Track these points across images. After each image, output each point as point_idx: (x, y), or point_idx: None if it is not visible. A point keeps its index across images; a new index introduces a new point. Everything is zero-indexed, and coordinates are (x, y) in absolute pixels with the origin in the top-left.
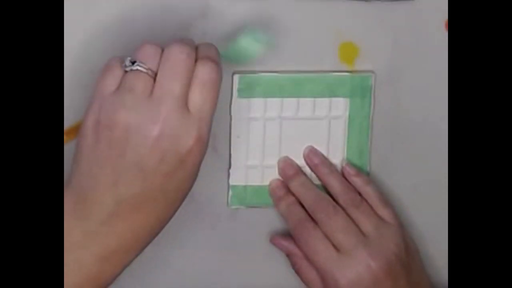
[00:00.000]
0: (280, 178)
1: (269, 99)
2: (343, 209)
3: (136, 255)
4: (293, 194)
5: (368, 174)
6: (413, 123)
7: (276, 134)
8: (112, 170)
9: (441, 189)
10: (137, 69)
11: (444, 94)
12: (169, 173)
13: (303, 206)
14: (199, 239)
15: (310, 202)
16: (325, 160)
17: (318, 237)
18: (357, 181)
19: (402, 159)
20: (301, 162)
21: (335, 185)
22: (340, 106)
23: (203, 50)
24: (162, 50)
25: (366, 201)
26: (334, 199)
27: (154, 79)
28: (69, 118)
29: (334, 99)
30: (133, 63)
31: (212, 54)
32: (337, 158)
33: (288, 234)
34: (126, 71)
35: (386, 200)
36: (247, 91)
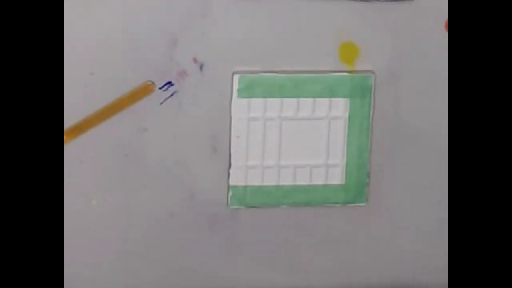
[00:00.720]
0: None
1: (269, 99)
2: None
3: None
4: None
5: (368, 174)
6: (413, 123)
7: (276, 135)
8: None
9: (441, 189)
10: None
11: (444, 94)
12: None
13: None
14: (199, 239)
15: None
16: None
17: None
18: None
19: (402, 159)
20: (300, 162)
21: None
22: (340, 106)
23: None
24: None
25: None
26: None
27: None
28: (69, 118)
29: (334, 99)
30: None
31: None
32: (337, 158)
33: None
34: None
35: None
36: (247, 91)
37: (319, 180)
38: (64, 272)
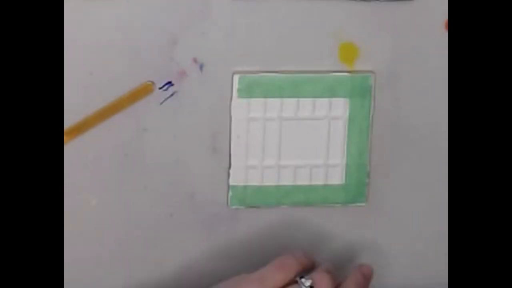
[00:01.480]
0: None
1: (269, 99)
2: None
3: None
4: None
5: (368, 174)
6: (413, 123)
7: (276, 135)
8: None
9: (441, 189)
10: None
11: (444, 94)
12: None
13: None
14: (199, 239)
15: None
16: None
17: None
18: None
19: (402, 159)
20: (300, 162)
21: None
22: (340, 106)
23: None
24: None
25: None
26: None
27: None
28: (69, 118)
29: (334, 99)
30: (309, 287)
31: None
32: (337, 158)
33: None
34: (296, 282)
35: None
36: (247, 91)
37: (319, 180)
38: (64, 272)
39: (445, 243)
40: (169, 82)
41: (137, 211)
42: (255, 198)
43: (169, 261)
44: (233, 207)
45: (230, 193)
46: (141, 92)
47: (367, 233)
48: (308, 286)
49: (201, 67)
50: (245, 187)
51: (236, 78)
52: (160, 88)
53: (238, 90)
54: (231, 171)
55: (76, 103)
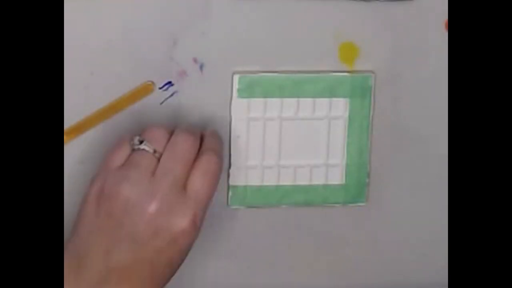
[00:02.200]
0: None
1: (269, 99)
2: None
3: None
4: None
5: (368, 174)
6: (413, 123)
7: (276, 134)
8: (107, 239)
9: (441, 189)
10: (143, 149)
11: (444, 94)
12: (161, 249)
13: None
14: (199, 239)
15: None
16: None
17: None
18: None
19: (402, 159)
20: (300, 162)
21: None
22: (340, 106)
23: (208, 142)
24: (170, 134)
25: None
26: None
27: (158, 160)
28: (69, 118)
29: (334, 99)
30: (141, 142)
31: (216, 147)
32: (337, 158)
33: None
34: (133, 149)
35: None
36: (247, 91)
37: (319, 180)
38: None
39: (445, 243)
40: (169, 82)
41: None
42: (255, 198)
43: None
44: (233, 207)
45: (230, 193)
46: (141, 92)
47: (367, 233)
48: (138, 143)
49: (201, 67)
50: (245, 187)
51: (236, 78)
52: (160, 88)
53: (238, 90)
54: (231, 171)
55: (76, 103)
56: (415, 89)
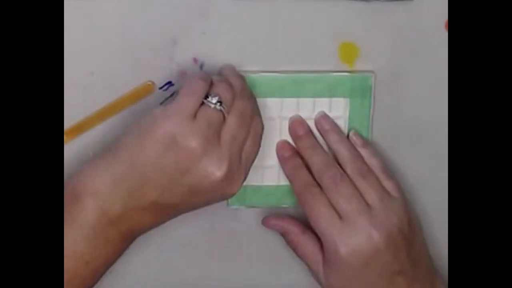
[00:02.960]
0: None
1: (269, 99)
2: (350, 177)
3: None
4: (300, 156)
5: None
6: (413, 123)
7: (276, 134)
8: (167, 180)
9: (441, 188)
10: (220, 110)
11: (444, 94)
12: (208, 202)
13: (309, 169)
14: (199, 239)
15: (317, 166)
16: (335, 127)
17: (323, 202)
18: (363, 152)
19: (402, 159)
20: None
21: (344, 153)
22: (340, 106)
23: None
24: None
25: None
26: (341, 167)
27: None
28: (69, 118)
29: (334, 99)
30: (218, 102)
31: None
32: None
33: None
34: (204, 103)
35: (391, 173)
36: None
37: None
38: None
39: (445, 243)
40: (169, 82)
41: None
42: (255, 198)
43: (170, 261)
44: (233, 207)
45: None
46: (141, 92)
47: None
48: (215, 103)
49: (201, 67)
50: (245, 187)
51: None
52: (160, 88)
53: None
54: None
55: (76, 103)
56: (415, 89)
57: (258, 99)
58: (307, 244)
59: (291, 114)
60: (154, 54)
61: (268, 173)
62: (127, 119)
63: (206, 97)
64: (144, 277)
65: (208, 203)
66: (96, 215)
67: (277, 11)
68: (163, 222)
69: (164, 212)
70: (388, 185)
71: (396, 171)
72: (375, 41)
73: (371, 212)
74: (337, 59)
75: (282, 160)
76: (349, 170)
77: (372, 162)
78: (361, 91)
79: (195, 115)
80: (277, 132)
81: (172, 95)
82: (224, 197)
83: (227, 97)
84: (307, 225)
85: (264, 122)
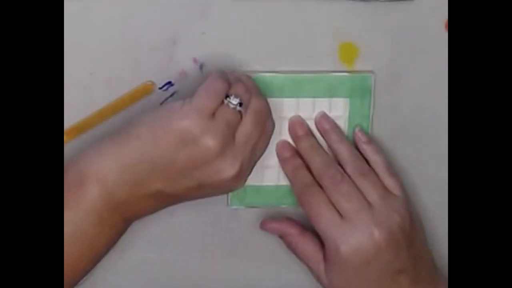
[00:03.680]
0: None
1: (269, 99)
2: (350, 177)
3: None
4: (300, 156)
5: None
6: (413, 123)
7: (276, 134)
8: (177, 174)
9: (441, 189)
10: (239, 111)
11: (444, 94)
12: (211, 195)
13: (309, 169)
14: (199, 239)
15: (317, 166)
16: (335, 127)
17: (323, 202)
18: (367, 148)
19: (402, 159)
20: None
21: (344, 152)
22: (340, 106)
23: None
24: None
25: (374, 170)
26: (342, 167)
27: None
28: (69, 118)
29: (334, 99)
30: (239, 104)
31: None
32: None
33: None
34: (224, 103)
35: (394, 171)
36: None
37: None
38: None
39: (445, 243)
40: (169, 82)
41: None
42: (255, 198)
43: (170, 261)
44: (233, 207)
45: (230, 193)
46: (141, 92)
47: None
48: (236, 104)
49: (201, 67)
50: (245, 187)
51: None
52: (160, 88)
53: None
54: None
55: (76, 103)
56: (415, 89)
57: None
58: (307, 245)
59: (291, 114)
60: (154, 54)
61: (268, 173)
62: (127, 119)
63: (226, 96)
64: (144, 276)
65: (210, 196)
66: (102, 201)
67: (277, 11)
68: (162, 209)
69: (167, 200)
70: (391, 183)
71: (396, 170)
72: (375, 41)
73: (372, 211)
74: (337, 59)
75: (282, 161)
76: (349, 169)
77: (376, 159)
78: (361, 91)
79: (213, 114)
80: (277, 132)
81: (172, 95)
82: (228, 192)
83: (245, 97)
84: (305, 226)
85: None
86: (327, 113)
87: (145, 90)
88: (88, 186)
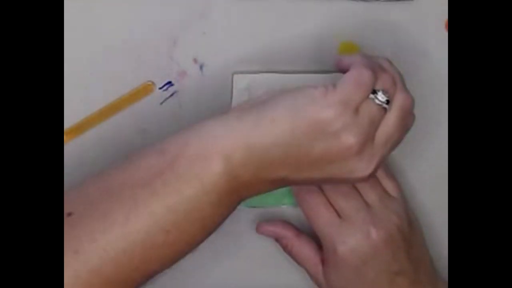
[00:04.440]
0: None
1: None
2: None
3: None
4: None
5: None
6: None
7: None
8: (307, 159)
9: (441, 188)
10: (384, 108)
11: (444, 94)
12: (332, 184)
13: None
14: None
15: None
16: None
17: (322, 202)
18: None
19: (402, 159)
20: None
21: None
22: None
23: None
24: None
25: None
26: None
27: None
28: (69, 118)
29: None
30: (386, 101)
31: None
32: None
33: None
34: (370, 98)
35: (392, 173)
36: (247, 91)
37: None
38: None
39: (445, 243)
40: (169, 82)
41: None
42: (255, 198)
43: None
44: None
45: None
46: (141, 92)
47: None
48: (384, 101)
49: (201, 67)
50: None
51: (236, 78)
52: (160, 88)
53: (238, 90)
54: None
55: (76, 103)
56: (415, 89)
57: None
58: (303, 247)
59: None
60: (154, 54)
61: None
62: (127, 119)
63: (373, 91)
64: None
65: (328, 184)
66: (224, 180)
67: (277, 11)
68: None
69: (284, 184)
70: (389, 184)
71: (396, 171)
72: (375, 41)
73: (370, 211)
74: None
75: None
76: None
77: None
78: None
79: (357, 109)
80: None
81: (172, 95)
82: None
83: (391, 92)
84: (303, 228)
85: None
86: None
87: (145, 90)
88: (213, 162)
